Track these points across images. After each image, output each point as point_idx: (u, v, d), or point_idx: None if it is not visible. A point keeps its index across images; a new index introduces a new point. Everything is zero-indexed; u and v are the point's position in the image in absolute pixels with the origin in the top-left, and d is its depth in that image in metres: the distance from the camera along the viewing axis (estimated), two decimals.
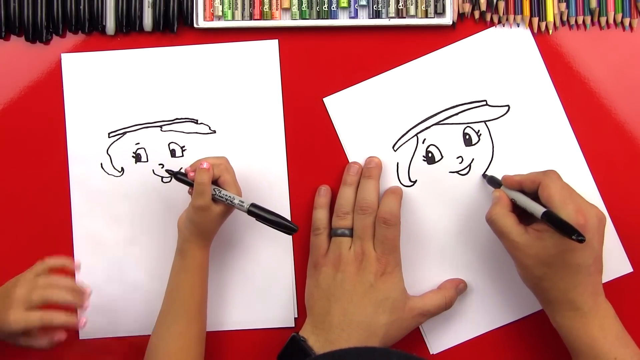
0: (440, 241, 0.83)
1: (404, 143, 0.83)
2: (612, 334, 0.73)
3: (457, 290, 0.81)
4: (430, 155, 0.82)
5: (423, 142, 0.82)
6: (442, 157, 0.82)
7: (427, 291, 0.81)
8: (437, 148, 0.82)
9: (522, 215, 0.75)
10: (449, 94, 0.82)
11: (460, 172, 0.83)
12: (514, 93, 0.82)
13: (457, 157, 0.82)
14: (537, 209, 0.72)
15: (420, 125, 0.82)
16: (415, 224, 0.83)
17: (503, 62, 0.82)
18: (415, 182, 0.83)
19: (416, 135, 0.83)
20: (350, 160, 0.83)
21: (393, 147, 0.83)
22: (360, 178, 0.81)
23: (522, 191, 0.76)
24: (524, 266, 0.74)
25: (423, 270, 0.83)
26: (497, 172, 0.82)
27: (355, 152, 0.83)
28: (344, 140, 0.83)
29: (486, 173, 0.82)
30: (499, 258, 0.77)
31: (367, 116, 0.83)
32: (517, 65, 0.82)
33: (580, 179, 0.82)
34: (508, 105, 0.82)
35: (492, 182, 0.81)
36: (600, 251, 0.73)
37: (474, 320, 0.83)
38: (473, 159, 0.82)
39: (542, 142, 0.82)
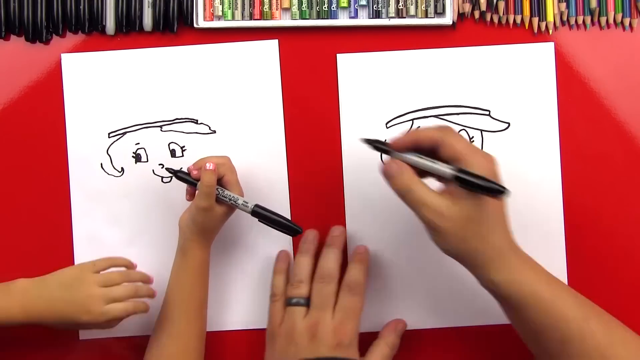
0: (401, 227, 0.83)
1: (398, 124, 0.82)
2: (543, 273, 0.71)
3: (397, 332, 0.81)
4: None
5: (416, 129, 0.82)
6: None
7: (369, 348, 0.79)
8: None
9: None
10: (457, 93, 0.82)
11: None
12: (518, 114, 0.82)
13: None
14: (446, 171, 0.68)
15: (419, 112, 0.82)
16: (382, 203, 0.82)
17: (520, 82, 0.82)
18: None
19: (412, 120, 0.82)
20: (342, 130, 0.83)
21: (386, 124, 0.83)
22: (315, 246, 0.81)
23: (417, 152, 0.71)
24: (451, 232, 0.68)
25: (382, 243, 0.83)
26: None
27: (350, 118, 0.83)
28: (342, 102, 0.83)
29: (365, 137, 0.72)
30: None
31: (372, 86, 0.83)
32: (532, 89, 0.82)
33: (551, 220, 0.82)
34: (509, 123, 0.82)
35: (377, 147, 0.72)
36: None
37: (415, 313, 0.83)
38: None
39: (527, 169, 0.82)
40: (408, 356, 0.83)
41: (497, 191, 0.66)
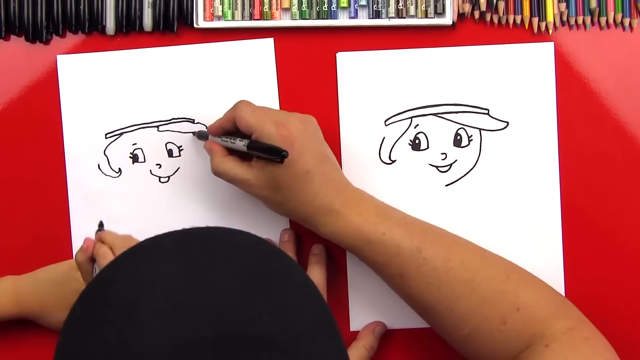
0: None
1: (397, 121, 0.82)
2: (371, 214, 0.74)
3: (375, 334, 0.80)
4: (417, 141, 0.82)
5: (415, 127, 0.82)
6: (427, 147, 0.82)
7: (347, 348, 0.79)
8: (426, 137, 0.82)
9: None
10: (456, 91, 0.82)
11: (439, 168, 0.82)
12: (517, 114, 0.82)
13: (442, 153, 0.82)
14: (241, 145, 0.73)
15: (418, 110, 0.82)
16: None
17: (519, 81, 0.82)
18: (394, 161, 0.82)
19: (411, 118, 0.82)
20: (341, 130, 0.82)
21: (385, 122, 0.82)
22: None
23: (230, 133, 0.77)
24: (266, 198, 0.74)
25: None
26: (475, 181, 0.82)
27: (349, 116, 0.82)
28: (341, 100, 0.83)
29: (194, 131, 0.82)
30: None
31: (372, 84, 0.82)
32: (531, 89, 0.81)
33: (548, 221, 0.82)
34: (507, 122, 0.82)
35: (201, 136, 0.81)
36: (320, 149, 0.74)
37: (401, 311, 0.81)
38: (456, 160, 0.82)
39: (525, 168, 0.82)
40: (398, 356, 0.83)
41: (279, 156, 0.69)
